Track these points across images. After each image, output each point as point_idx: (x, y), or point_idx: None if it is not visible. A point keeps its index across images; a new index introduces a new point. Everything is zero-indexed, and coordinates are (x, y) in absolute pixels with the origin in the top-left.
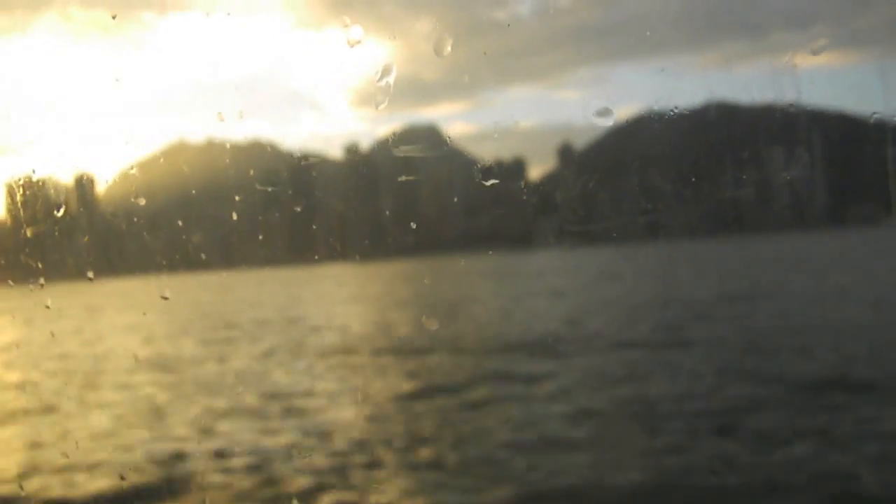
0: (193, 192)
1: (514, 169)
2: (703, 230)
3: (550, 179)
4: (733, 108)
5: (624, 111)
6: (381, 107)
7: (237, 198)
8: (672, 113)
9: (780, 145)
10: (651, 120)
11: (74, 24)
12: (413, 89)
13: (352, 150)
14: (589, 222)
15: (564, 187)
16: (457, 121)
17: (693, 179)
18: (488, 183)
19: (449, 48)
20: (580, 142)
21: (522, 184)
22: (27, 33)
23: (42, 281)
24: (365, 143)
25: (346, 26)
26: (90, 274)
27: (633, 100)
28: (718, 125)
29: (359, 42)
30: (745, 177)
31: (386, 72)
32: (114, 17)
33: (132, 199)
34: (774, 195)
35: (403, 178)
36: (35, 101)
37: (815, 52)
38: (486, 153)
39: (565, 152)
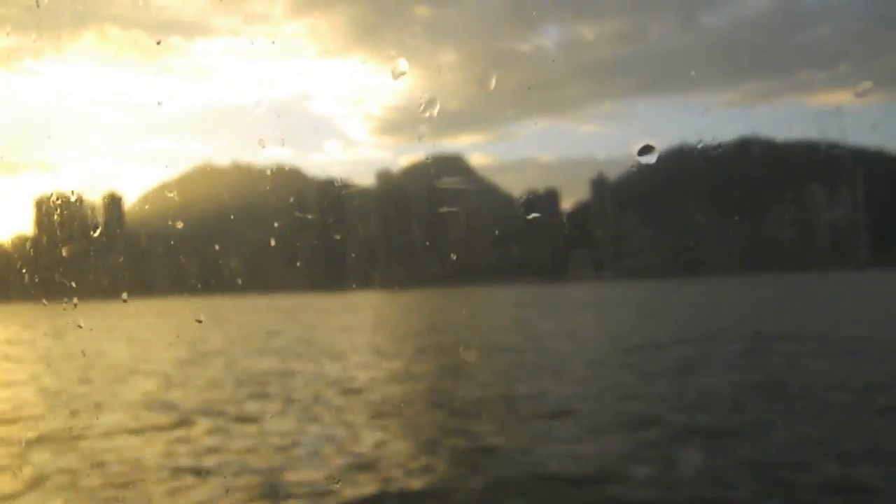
0: (221, 214)
1: (546, 201)
2: (742, 267)
3: (579, 212)
4: (768, 144)
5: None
6: (424, 138)
7: (276, 224)
8: (705, 148)
9: (818, 183)
10: (683, 154)
11: (113, 44)
12: (435, 119)
13: (383, 178)
14: (621, 256)
15: (597, 220)
16: (477, 152)
17: (731, 216)
18: (530, 217)
19: (493, 83)
20: (603, 175)
21: (553, 216)
22: (66, 52)
23: (76, 300)
24: (386, 171)
25: (391, 58)
26: (124, 296)
27: (655, 135)
28: (754, 162)
29: (403, 73)
30: (784, 215)
31: (430, 104)
32: (158, 43)
33: (169, 222)
34: (815, 233)
35: (445, 209)
36: (66, 120)
37: (859, 95)
38: (508, 185)
39: (599, 185)
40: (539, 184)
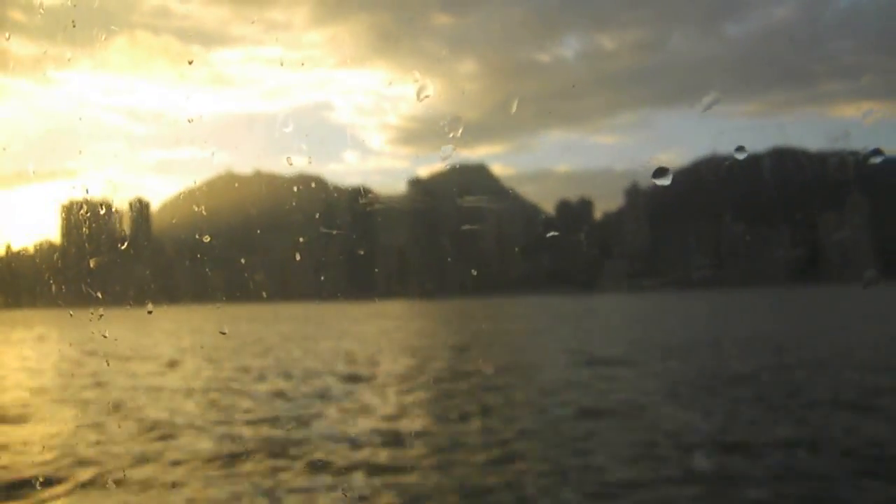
0: (246, 223)
1: (580, 211)
2: (777, 279)
3: (609, 222)
4: (802, 155)
5: (667, 157)
6: (448, 159)
7: (301, 239)
8: (734, 160)
9: (862, 196)
10: (714, 164)
11: (142, 49)
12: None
13: (413, 187)
14: (655, 267)
15: (630, 231)
16: (495, 162)
17: (769, 227)
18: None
19: (514, 106)
20: (620, 187)
21: (584, 227)
22: (88, 61)
23: (101, 311)
24: (403, 181)
25: (416, 81)
26: (149, 307)
27: (675, 145)
28: (784, 173)
29: (427, 97)
30: (825, 227)
31: (454, 123)
32: (190, 63)
33: (196, 236)
34: (851, 246)
35: (467, 226)
36: (88, 128)
37: None
38: (528, 195)
39: (632, 194)
40: (558, 195)
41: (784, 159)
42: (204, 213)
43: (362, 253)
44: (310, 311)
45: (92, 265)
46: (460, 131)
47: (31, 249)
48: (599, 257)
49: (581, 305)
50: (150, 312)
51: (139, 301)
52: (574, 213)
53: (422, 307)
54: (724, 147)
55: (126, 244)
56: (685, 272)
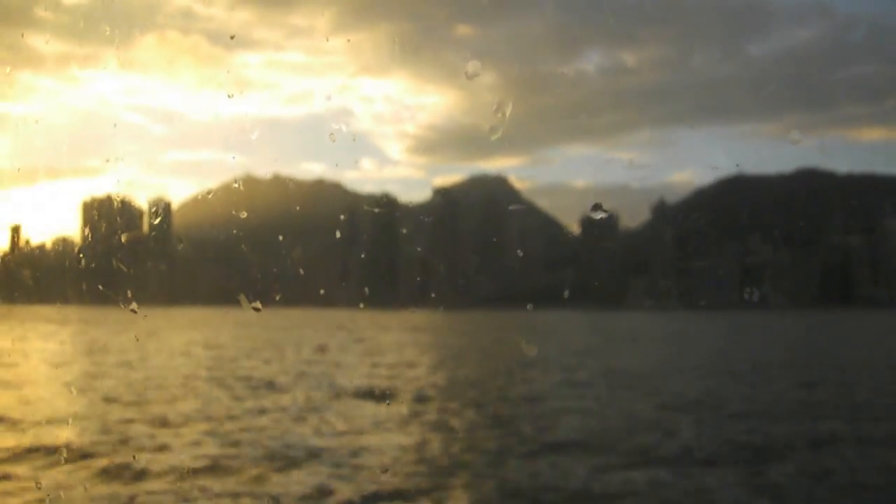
0: (263, 226)
1: (605, 225)
2: (809, 301)
3: (633, 238)
4: (829, 176)
5: (687, 175)
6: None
7: (318, 237)
8: (764, 178)
9: (886, 221)
10: (740, 184)
11: (172, 49)
12: (472, 140)
13: (437, 196)
14: (681, 285)
15: (655, 247)
16: (512, 174)
17: (796, 248)
18: (597, 216)
19: (508, 110)
20: (639, 204)
21: (611, 240)
22: (121, 56)
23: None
24: (420, 190)
25: (429, 82)
26: (133, 307)
27: (694, 164)
28: (814, 193)
29: (477, 75)
30: (854, 248)
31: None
32: (232, 37)
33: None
34: (886, 268)
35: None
36: (108, 127)
37: None
38: (547, 209)
39: (660, 209)
40: (576, 209)
41: (810, 181)
42: (214, 212)
43: (390, 256)
44: (331, 319)
45: (102, 264)
46: (508, 111)
47: (49, 245)
48: (624, 274)
49: (617, 323)
50: (134, 311)
51: (157, 301)
52: (600, 227)
53: (448, 319)
54: (749, 167)
55: (145, 243)
56: (709, 293)
